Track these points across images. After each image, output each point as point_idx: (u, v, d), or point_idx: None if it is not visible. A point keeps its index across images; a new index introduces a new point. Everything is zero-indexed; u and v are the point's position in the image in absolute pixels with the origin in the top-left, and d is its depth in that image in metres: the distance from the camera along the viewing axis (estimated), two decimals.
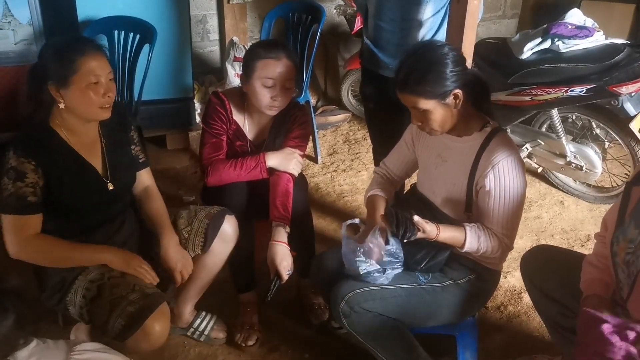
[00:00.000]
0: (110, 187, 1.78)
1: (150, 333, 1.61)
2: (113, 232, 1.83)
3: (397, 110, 2.16)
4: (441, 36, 2.22)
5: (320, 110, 4.21)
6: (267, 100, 2.01)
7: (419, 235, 1.65)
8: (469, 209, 1.75)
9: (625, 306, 1.45)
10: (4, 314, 1.22)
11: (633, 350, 1.30)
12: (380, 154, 2.41)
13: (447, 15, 2.14)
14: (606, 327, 1.34)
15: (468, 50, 2.00)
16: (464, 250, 1.70)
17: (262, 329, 2.14)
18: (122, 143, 1.86)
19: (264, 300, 1.97)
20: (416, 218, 1.64)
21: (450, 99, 1.63)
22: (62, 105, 1.63)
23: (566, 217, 3.03)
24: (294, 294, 2.33)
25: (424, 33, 2.25)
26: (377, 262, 1.73)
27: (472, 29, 1.98)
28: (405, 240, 1.64)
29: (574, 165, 3.02)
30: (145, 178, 1.96)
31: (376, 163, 2.64)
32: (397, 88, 1.66)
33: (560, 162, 3.07)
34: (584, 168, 3.00)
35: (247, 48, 3.73)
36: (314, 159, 3.60)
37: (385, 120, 2.46)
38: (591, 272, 1.59)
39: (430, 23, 2.23)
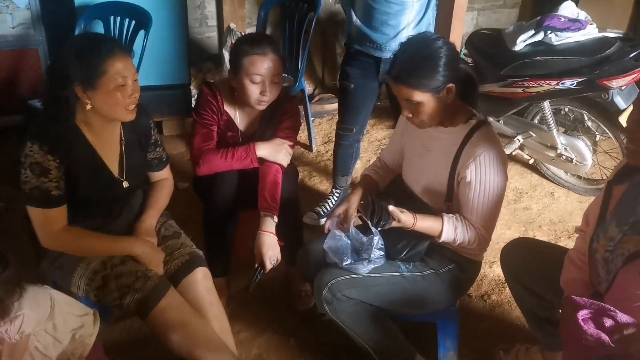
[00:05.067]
0: (125, 184, 1.85)
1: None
2: (115, 218, 1.91)
3: (372, 93, 2.50)
4: (427, 19, 2.31)
5: (317, 98, 4.23)
6: (256, 95, 2.04)
7: (395, 224, 1.69)
8: (449, 198, 1.79)
9: (603, 300, 1.49)
10: (4, 266, 1.32)
11: (605, 337, 1.34)
12: (344, 129, 2.68)
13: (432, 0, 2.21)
14: (581, 314, 1.39)
15: (456, 41, 2.03)
16: (441, 240, 1.74)
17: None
18: (140, 144, 1.91)
19: (247, 289, 2.01)
20: (391, 208, 1.68)
21: (443, 93, 1.66)
22: (89, 107, 1.66)
23: (555, 209, 3.06)
24: (281, 281, 2.38)
25: (414, 14, 2.33)
26: (358, 256, 1.78)
27: (460, 20, 2.02)
28: (379, 229, 1.68)
29: (564, 157, 3.05)
30: (164, 173, 2.04)
31: (339, 137, 2.75)
32: (392, 79, 1.68)
33: (551, 154, 3.09)
34: (574, 160, 3.02)
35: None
36: (309, 147, 3.63)
37: (360, 101, 2.56)
38: (572, 271, 1.63)
39: (420, 5, 2.31)
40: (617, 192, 1.51)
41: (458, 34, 2.03)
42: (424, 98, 1.64)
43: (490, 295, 2.40)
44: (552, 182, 3.30)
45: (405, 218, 1.70)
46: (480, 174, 1.68)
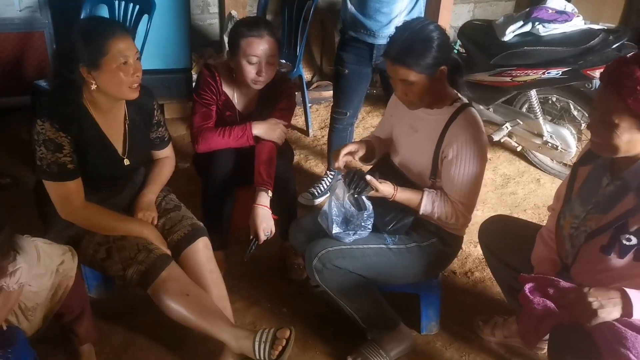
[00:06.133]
0: (127, 162, 1.96)
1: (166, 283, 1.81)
2: (118, 193, 2.04)
3: (366, 78, 2.65)
4: (419, 7, 2.46)
5: (315, 85, 4.34)
6: (252, 75, 2.15)
7: (374, 193, 1.83)
8: (434, 176, 1.91)
9: (569, 271, 1.62)
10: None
11: (550, 304, 1.48)
12: (338, 113, 2.81)
13: None
14: (528, 287, 1.53)
15: (444, 28, 2.14)
16: (420, 212, 1.87)
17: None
18: (144, 123, 2.02)
19: (243, 259, 2.13)
20: (368, 177, 1.81)
21: (437, 75, 1.77)
22: (93, 86, 1.76)
23: (540, 194, 3.19)
24: (276, 255, 2.51)
25: (406, 3, 2.46)
26: (347, 227, 1.91)
27: (447, 9, 2.14)
28: (356, 196, 1.83)
29: (550, 144, 3.16)
30: (166, 152, 2.17)
31: (334, 120, 2.88)
32: (390, 60, 1.78)
33: (538, 141, 3.21)
34: (559, 147, 3.14)
35: None
36: (306, 132, 3.74)
37: (354, 86, 2.69)
38: (542, 250, 1.75)
39: None
40: (582, 173, 1.64)
41: (446, 22, 2.15)
42: (418, 79, 1.75)
43: (474, 272, 2.53)
44: (539, 169, 3.43)
45: (383, 188, 1.83)
46: (460, 153, 1.80)
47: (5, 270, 1.49)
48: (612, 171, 1.53)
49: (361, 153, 2.05)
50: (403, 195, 1.87)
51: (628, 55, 1.44)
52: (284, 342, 1.74)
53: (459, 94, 1.91)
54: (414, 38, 1.74)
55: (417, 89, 1.78)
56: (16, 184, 2.95)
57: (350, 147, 2.02)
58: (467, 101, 1.90)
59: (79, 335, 1.87)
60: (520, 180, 3.32)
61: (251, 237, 2.14)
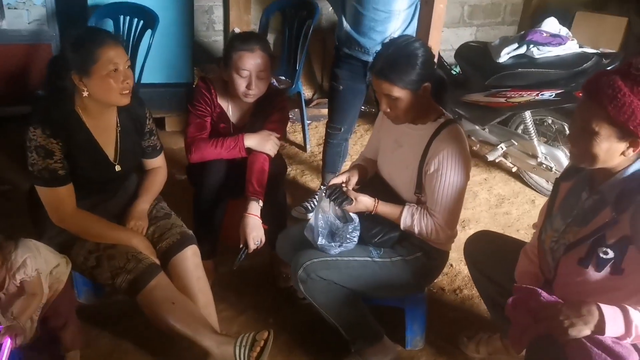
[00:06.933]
0: (118, 168, 2.01)
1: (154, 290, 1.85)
2: (109, 199, 2.08)
3: (360, 94, 2.69)
4: (412, 27, 2.49)
5: (315, 102, 4.40)
6: (243, 89, 2.21)
7: (354, 205, 1.88)
8: (419, 190, 1.93)
9: (552, 285, 1.63)
10: None
11: (529, 319, 1.50)
12: (333, 129, 2.85)
13: (417, 11, 2.37)
14: (511, 300, 1.56)
15: (434, 48, 2.19)
16: (401, 226, 1.90)
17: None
18: (136, 131, 2.07)
19: (232, 269, 2.16)
20: (345, 188, 1.89)
21: (420, 91, 1.81)
22: (85, 93, 1.82)
23: (534, 215, 3.18)
24: (264, 266, 2.53)
25: (400, 23, 2.50)
26: (332, 239, 1.94)
27: (437, 30, 2.18)
28: (337, 207, 1.88)
29: (544, 165, 3.18)
30: (158, 161, 2.21)
31: (328, 135, 2.92)
32: (374, 75, 1.82)
33: (532, 162, 3.23)
34: (553, 169, 3.16)
35: None
36: (303, 148, 3.79)
37: (348, 101, 2.73)
38: (525, 264, 1.77)
39: (406, 14, 2.49)
40: (563, 188, 1.66)
41: (436, 42, 2.19)
42: (402, 94, 1.79)
43: (463, 290, 2.53)
44: (534, 190, 3.44)
45: (363, 199, 1.88)
46: (442, 166, 1.83)
47: (15, 264, 1.59)
48: (591, 185, 1.55)
49: (354, 180, 2.07)
50: (384, 208, 1.90)
51: (609, 68, 1.48)
52: (262, 343, 1.76)
53: (444, 110, 1.94)
54: (399, 54, 1.78)
55: (401, 104, 1.81)
56: (15, 191, 3.00)
57: (341, 178, 2.05)
58: (451, 117, 1.94)
59: (65, 341, 1.89)
60: (515, 201, 3.33)
61: (241, 245, 2.17)
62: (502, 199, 3.34)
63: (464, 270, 2.64)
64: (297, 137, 3.92)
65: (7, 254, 1.59)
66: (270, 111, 2.37)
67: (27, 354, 1.77)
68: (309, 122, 3.92)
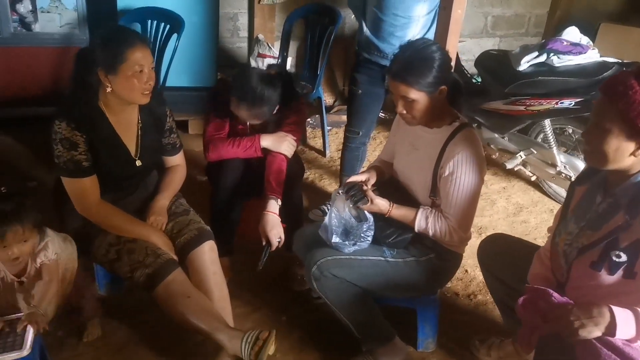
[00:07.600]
0: (139, 163, 2.07)
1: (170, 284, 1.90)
2: (130, 194, 2.15)
3: (378, 99, 2.71)
4: (431, 33, 2.52)
5: (336, 109, 4.45)
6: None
7: (369, 205, 1.90)
8: (434, 193, 1.95)
9: (564, 288, 1.63)
10: (30, 212, 1.70)
11: (538, 319, 1.50)
12: (351, 132, 2.87)
13: (436, 17, 2.40)
14: (521, 299, 1.57)
15: (451, 53, 2.21)
16: (415, 228, 1.92)
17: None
18: (156, 128, 2.13)
19: (255, 268, 2.19)
20: (364, 187, 1.89)
21: (436, 93, 1.83)
22: (109, 89, 1.89)
23: None
24: (279, 267, 2.56)
25: (419, 29, 2.55)
26: (346, 237, 1.96)
27: (455, 34, 2.20)
28: (351, 205, 1.90)
29: (564, 175, 3.16)
30: (177, 159, 2.27)
31: (347, 139, 2.94)
32: (391, 77, 1.84)
33: (552, 171, 3.22)
34: (572, 178, 3.13)
35: (271, 46, 4.03)
36: (322, 153, 3.83)
37: (366, 106, 2.77)
38: (538, 267, 1.77)
39: (425, 20, 2.54)
40: (578, 192, 1.66)
41: (453, 47, 2.21)
42: (418, 96, 1.81)
43: (477, 295, 2.53)
44: (554, 199, 3.42)
45: (379, 201, 1.90)
46: (456, 170, 1.85)
47: (37, 248, 1.68)
48: (606, 189, 1.55)
49: (372, 181, 2.10)
50: (398, 212, 1.93)
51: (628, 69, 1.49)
52: (261, 343, 1.80)
53: (459, 114, 1.96)
54: (416, 56, 1.81)
55: (417, 106, 1.84)
56: (41, 187, 3.10)
57: (361, 177, 2.08)
58: (466, 121, 1.95)
59: (85, 310, 2.00)
60: (534, 210, 3.31)
61: (264, 243, 2.20)
62: (520, 208, 3.32)
63: (479, 276, 2.63)
64: (317, 142, 3.97)
65: (35, 242, 1.67)
66: (287, 113, 2.41)
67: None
68: (329, 127, 3.97)
